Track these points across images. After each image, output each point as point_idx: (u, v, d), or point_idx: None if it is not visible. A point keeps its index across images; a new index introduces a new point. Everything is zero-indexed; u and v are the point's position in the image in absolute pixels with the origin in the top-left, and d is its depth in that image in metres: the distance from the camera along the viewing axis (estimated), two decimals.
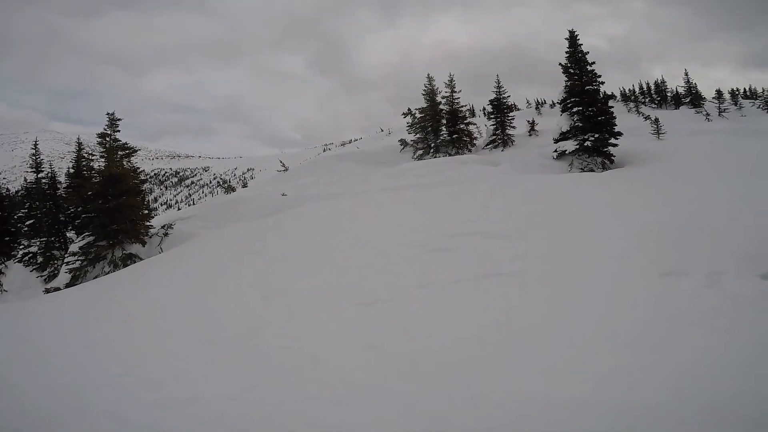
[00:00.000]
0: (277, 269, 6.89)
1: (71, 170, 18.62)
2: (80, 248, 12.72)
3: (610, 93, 19.84)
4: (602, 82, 16.24)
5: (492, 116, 22.36)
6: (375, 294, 4.97)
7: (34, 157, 17.91)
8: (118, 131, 13.89)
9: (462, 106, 22.77)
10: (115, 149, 13.63)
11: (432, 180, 13.00)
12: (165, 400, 3.44)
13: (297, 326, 4.60)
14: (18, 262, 16.08)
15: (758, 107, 35.33)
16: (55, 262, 15.55)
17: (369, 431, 2.65)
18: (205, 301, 6.11)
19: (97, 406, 3.52)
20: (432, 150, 21.85)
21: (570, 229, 6.14)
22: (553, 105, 43.34)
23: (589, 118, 15.65)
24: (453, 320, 4.02)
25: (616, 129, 15.34)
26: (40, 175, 17.53)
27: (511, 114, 22.87)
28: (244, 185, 28.26)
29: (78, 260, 12.53)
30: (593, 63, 16.28)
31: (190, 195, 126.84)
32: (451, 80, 22.73)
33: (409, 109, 23.06)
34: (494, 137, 21.83)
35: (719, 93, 33.23)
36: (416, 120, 22.72)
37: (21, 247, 16.61)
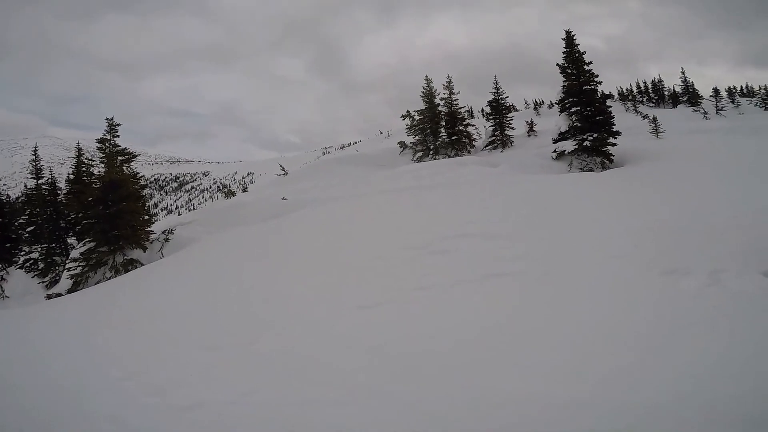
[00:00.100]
0: (278, 273, 6.90)
1: (71, 176, 18.66)
2: (81, 254, 12.74)
3: (607, 92, 19.86)
4: (600, 82, 16.26)
5: (491, 117, 22.38)
6: (376, 296, 4.99)
7: (34, 163, 17.93)
8: (118, 136, 13.93)
9: (460, 108, 22.80)
10: (114, 154, 13.67)
11: (431, 182, 13.01)
12: (166, 405, 3.45)
13: (298, 329, 4.61)
14: (19, 268, 16.08)
15: (755, 105, 35.41)
16: (57, 268, 15.55)
17: None
18: (207, 306, 6.12)
19: (98, 410, 3.53)
20: (431, 152, 21.86)
21: (570, 229, 6.15)
22: (551, 105, 43.43)
23: (588, 118, 15.67)
24: (454, 322, 4.03)
25: (615, 128, 15.36)
26: (40, 182, 17.56)
27: (509, 115, 22.88)
28: (244, 189, 28.28)
29: (79, 266, 12.55)
30: (590, 63, 16.32)
31: (191, 200, 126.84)
32: (449, 82, 22.76)
33: (407, 111, 23.10)
34: (493, 138, 21.84)
35: (716, 91, 33.30)
36: (415, 122, 22.75)
37: (22, 253, 16.62)
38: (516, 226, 6.73)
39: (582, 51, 16.46)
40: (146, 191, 19.07)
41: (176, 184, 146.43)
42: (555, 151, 16.10)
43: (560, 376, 2.85)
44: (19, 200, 26.26)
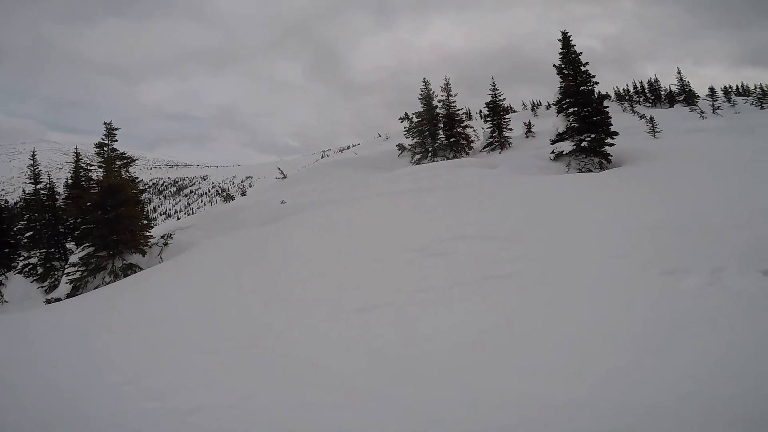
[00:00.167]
0: (277, 276, 6.90)
1: (69, 181, 18.65)
2: (80, 259, 12.72)
3: (604, 93, 19.90)
4: (596, 83, 16.32)
5: (488, 119, 22.42)
6: (375, 299, 4.99)
7: (32, 168, 17.93)
8: (116, 141, 13.93)
9: (458, 110, 22.83)
10: (113, 159, 13.66)
11: (430, 184, 13.04)
12: (166, 409, 3.45)
13: (297, 333, 4.61)
14: (18, 273, 16.07)
15: (751, 104, 35.54)
16: (56, 273, 15.54)
17: None
18: (206, 310, 6.11)
19: (98, 414, 3.53)
20: (430, 154, 21.88)
21: (568, 230, 6.16)
22: (548, 106, 43.54)
23: (585, 119, 15.72)
24: (452, 324, 4.03)
25: (612, 129, 15.40)
26: (38, 186, 17.55)
27: (507, 116, 22.93)
28: (243, 193, 28.27)
29: (78, 271, 12.53)
30: (587, 63, 16.39)
31: (189, 204, 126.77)
32: (447, 84, 22.81)
33: (406, 114, 23.14)
34: (491, 140, 21.88)
35: (712, 91, 33.43)
36: (413, 124, 22.78)
37: (21, 258, 16.61)
38: (514, 228, 6.74)
39: (578, 52, 16.53)
40: (145, 196, 19.06)
41: (175, 189, 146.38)
42: (553, 152, 16.14)
43: (559, 376, 2.85)
44: (18, 205, 26.21)
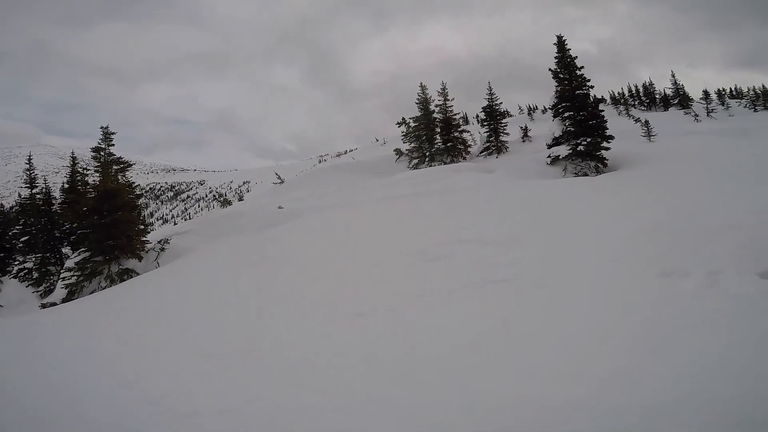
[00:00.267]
0: (275, 281, 6.89)
1: (66, 185, 18.59)
2: (76, 264, 12.65)
3: (600, 96, 20.06)
4: (592, 86, 16.42)
5: (485, 123, 22.51)
6: (373, 303, 4.99)
7: (28, 173, 17.86)
8: (113, 145, 13.91)
9: (455, 114, 22.91)
10: (109, 164, 13.64)
11: (427, 189, 13.06)
12: (165, 412, 3.44)
13: (296, 337, 4.60)
14: (13, 277, 15.97)
15: (744, 106, 35.91)
16: (51, 277, 15.45)
17: None
18: (204, 314, 6.10)
19: (98, 416, 3.54)
20: (427, 159, 21.94)
21: (566, 234, 6.19)
22: (545, 110, 43.83)
23: (581, 123, 15.81)
24: (450, 328, 4.03)
25: (608, 132, 15.48)
26: (34, 191, 17.48)
27: (504, 120, 23.03)
28: (240, 198, 28.27)
29: (74, 276, 12.46)
30: (582, 67, 16.50)
31: (186, 209, 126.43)
32: (444, 88, 22.90)
33: (403, 119, 23.21)
34: (488, 144, 21.95)
35: (706, 94, 33.77)
36: (411, 129, 22.85)
37: (16, 263, 16.52)
38: (512, 232, 6.76)
39: (574, 56, 16.64)
40: (142, 200, 19.02)
41: (172, 193, 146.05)
42: (549, 156, 16.21)
43: (557, 378, 2.85)
44: (13, 210, 26.07)
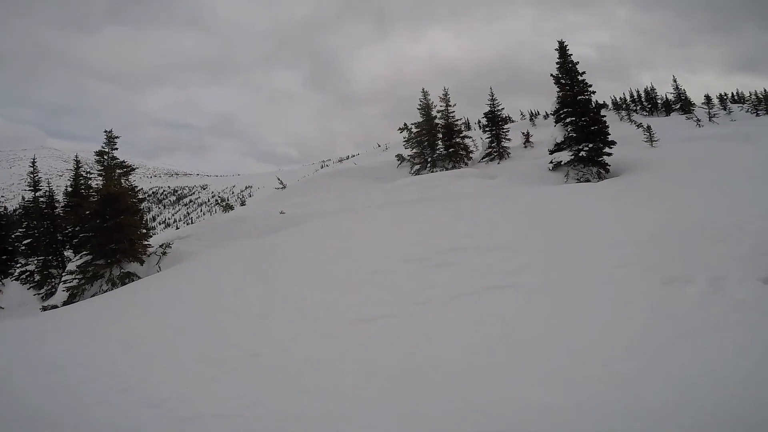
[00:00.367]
0: (277, 286, 6.88)
1: (69, 189, 18.67)
2: (78, 267, 12.68)
3: (601, 102, 20.11)
4: (593, 92, 16.43)
5: (487, 129, 22.55)
6: (375, 310, 4.97)
7: (32, 176, 17.95)
8: (116, 149, 13.99)
9: (457, 120, 22.96)
10: (113, 167, 13.71)
11: (429, 195, 13.06)
12: (166, 416, 3.44)
13: (298, 342, 4.59)
14: (15, 280, 16.02)
15: (746, 111, 35.89)
16: (53, 280, 15.48)
17: None
18: (205, 319, 6.09)
19: (97, 419, 3.54)
20: (429, 164, 21.95)
21: (568, 240, 6.17)
22: (546, 116, 43.91)
23: (583, 128, 15.82)
24: (454, 334, 4.01)
25: (610, 138, 15.49)
26: (38, 194, 17.56)
27: (505, 126, 23.06)
28: (242, 203, 28.31)
29: (76, 279, 12.48)
30: (583, 73, 16.52)
31: (189, 213, 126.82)
32: (446, 94, 22.97)
33: (405, 124, 23.28)
34: (490, 150, 21.97)
35: (708, 98, 33.78)
36: (412, 135, 22.90)
37: (18, 265, 16.57)
38: (514, 238, 6.74)
39: (575, 61, 16.68)
40: (144, 204, 19.09)
41: (174, 198, 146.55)
42: (551, 162, 16.22)
43: (561, 383, 2.85)
44: (17, 212, 26.20)
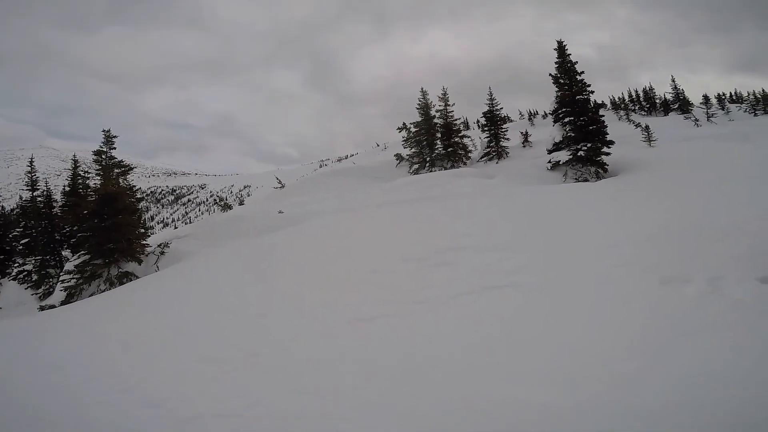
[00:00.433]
0: (276, 286, 6.87)
1: (67, 188, 18.63)
2: (76, 266, 12.65)
3: (600, 102, 20.11)
4: (592, 92, 16.46)
5: (486, 128, 22.58)
6: (374, 310, 4.97)
7: (30, 175, 17.90)
8: (114, 148, 13.96)
9: (456, 119, 22.98)
10: (111, 167, 13.67)
11: (428, 194, 13.07)
12: (166, 416, 3.44)
13: (297, 342, 4.59)
14: (12, 279, 15.98)
15: (745, 111, 36.01)
16: (50, 280, 15.45)
17: None
18: (204, 319, 6.08)
19: (97, 419, 3.54)
20: (428, 164, 21.97)
21: (567, 240, 6.18)
22: (545, 116, 43.97)
23: (581, 128, 15.85)
24: (452, 333, 4.02)
25: (608, 138, 15.52)
26: (35, 193, 17.52)
27: (504, 126, 23.10)
28: (241, 203, 28.27)
29: (73, 278, 12.45)
30: (582, 72, 16.56)
31: (187, 213, 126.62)
32: (445, 93, 22.98)
33: (404, 124, 23.30)
34: (489, 149, 22.01)
35: (706, 98, 33.83)
36: (411, 134, 22.92)
37: (16, 265, 16.53)
38: (513, 237, 6.75)
39: (574, 61, 16.70)
40: (142, 204, 19.05)
41: (173, 197, 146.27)
42: (550, 162, 16.24)
43: (560, 383, 2.85)
44: (14, 212, 26.10)
